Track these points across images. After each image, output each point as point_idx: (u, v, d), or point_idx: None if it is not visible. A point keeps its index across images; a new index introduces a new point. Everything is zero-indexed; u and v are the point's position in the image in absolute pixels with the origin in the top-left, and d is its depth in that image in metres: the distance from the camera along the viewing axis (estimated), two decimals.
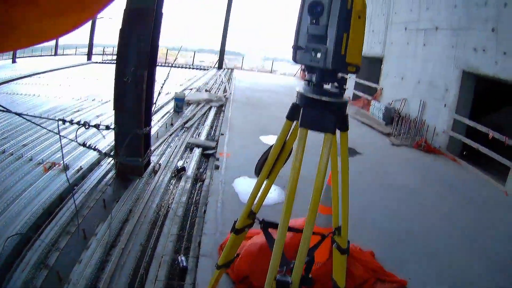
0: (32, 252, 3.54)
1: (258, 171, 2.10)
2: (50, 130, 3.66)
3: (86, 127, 3.60)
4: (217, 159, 6.48)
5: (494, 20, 7.20)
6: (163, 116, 9.61)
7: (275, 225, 2.15)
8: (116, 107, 5.20)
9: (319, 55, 1.70)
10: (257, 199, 2.18)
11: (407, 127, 9.37)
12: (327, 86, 1.86)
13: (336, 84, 1.83)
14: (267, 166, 2.04)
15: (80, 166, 5.60)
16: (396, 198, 5.56)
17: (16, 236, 3.68)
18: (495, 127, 7.24)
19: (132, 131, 4.93)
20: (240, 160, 6.44)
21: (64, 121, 3.57)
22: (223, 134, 8.09)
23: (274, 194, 5.15)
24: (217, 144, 7.44)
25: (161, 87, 7.04)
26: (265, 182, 2.13)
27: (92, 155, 5.99)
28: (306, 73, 1.89)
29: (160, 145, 7.20)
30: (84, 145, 3.77)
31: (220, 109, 11.20)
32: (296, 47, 1.80)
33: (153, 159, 6.23)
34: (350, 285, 3.17)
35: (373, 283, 3.38)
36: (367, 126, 10.57)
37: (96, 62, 22.66)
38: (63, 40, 25.66)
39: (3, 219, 4.05)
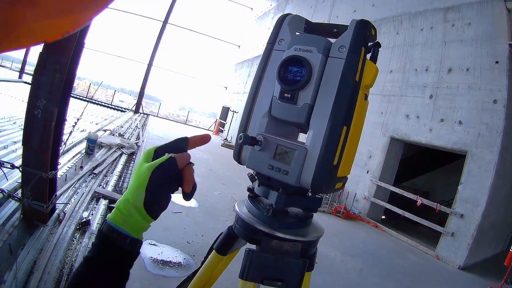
0: None
1: None
2: None
3: None
4: None
5: (434, 87, 7.53)
6: (74, 156, 8.74)
7: None
8: (24, 143, 4.51)
9: (289, 160, 1.07)
10: None
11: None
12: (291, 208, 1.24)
13: (306, 207, 1.22)
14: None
15: None
16: (318, 271, 5.30)
17: None
18: (421, 193, 7.49)
19: (38, 173, 4.29)
20: None
21: None
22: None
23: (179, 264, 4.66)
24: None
25: (74, 126, 6.41)
26: None
27: None
28: (255, 183, 1.24)
29: (67, 189, 6.40)
30: None
31: (131, 157, 10.61)
32: (245, 140, 1.08)
33: (59, 205, 5.46)
34: None
35: None
36: None
37: (27, 83, 20.71)
38: None
39: None
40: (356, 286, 4.96)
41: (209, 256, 1.40)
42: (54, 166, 4.93)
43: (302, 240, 1.16)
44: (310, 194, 1.20)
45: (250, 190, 1.27)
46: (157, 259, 4.70)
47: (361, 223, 8.20)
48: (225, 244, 1.34)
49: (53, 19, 0.54)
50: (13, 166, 3.08)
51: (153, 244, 5.09)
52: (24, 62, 20.48)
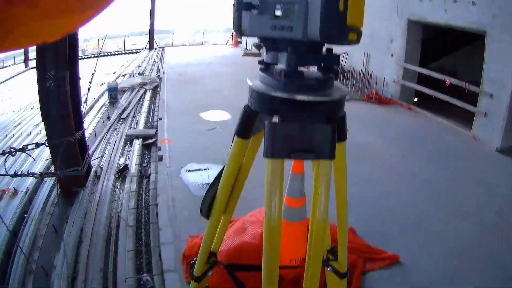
0: None
1: (206, 213, 1.54)
2: None
3: (13, 154, 3.12)
4: (159, 149, 6.07)
5: None
6: (98, 111, 8.89)
7: (245, 268, 1.78)
8: (44, 118, 4.62)
9: (292, 15, 0.98)
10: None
11: (354, 81, 9.24)
12: (304, 69, 1.14)
13: (323, 65, 1.14)
14: (218, 205, 1.47)
15: (27, 187, 4.96)
16: (360, 159, 5.33)
17: None
18: (448, 73, 7.23)
19: (64, 140, 4.42)
20: (184, 145, 6.13)
21: None
22: (161, 119, 7.63)
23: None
24: (156, 131, 6.99)
25: (90, 82, 6.45)
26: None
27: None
28: (262, 51, 1.16)
29: (98, 144, 6.63)
30: (15, 175, 3.28)
31: (155, 90, 10.65)
32: (239, 5, 1.02)
33: (94, 162, 5.71)
34: None
35: (363, 265, 3.12)
36: None
37: (34, 67, 20.61)
38: None
39: None
40: (402, 172, 4.97)
41: (233, 144, 1.33)
42: (79, 127, 5.08)
43: (325, 100, 1.08)
44: (324, 52, 1.14)
45: (259, 62, 1.20)
46: (200, 182, 4.89)
47: (395, 106, 8.05)
48: (244, 125, 1.24)
49: (53, 19, 0.55)
50: (37, 145, 3.17)
51: (194, 170, 5.26)
52: (26, 51, 20.15)
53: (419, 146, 5.89)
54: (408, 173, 4.97)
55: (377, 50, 8.98)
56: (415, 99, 8.40)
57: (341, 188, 1.40)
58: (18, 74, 17.46)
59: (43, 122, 4.68)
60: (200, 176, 5.05)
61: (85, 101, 6.07)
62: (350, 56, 10.11)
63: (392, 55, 8.53)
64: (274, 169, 1.08)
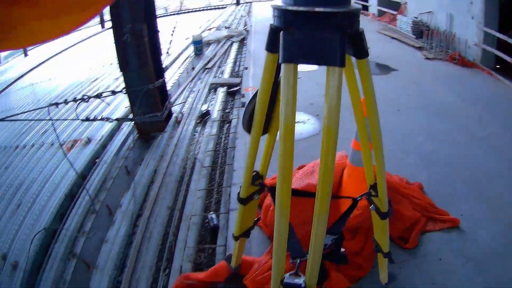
0: (59, 244, 3.42)
1: (246, 125, 1.64)
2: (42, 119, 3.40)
3: (86, 100, 3.35)
4: (243, 96, 6.12)
5: None
6: (183, 62, 9.21)
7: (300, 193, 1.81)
8: (122, 68, 4.88)
9: None
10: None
11: (439, 40, 8.64)
12: None
13: None
14: (258, 118, 1.54)
15: (102, 135, 5.39)
16: (438, 119, 4.98)
17: (42, 232, 3.58)
18: None
19: (143, 88, 4.67)
20: None
21: (56, 105, 3.36)
22: (247, 68, 7.63)
23: (309, 124, 4.81)
24: (241, 80, 7.04)
25: (172, 34, 6.67)
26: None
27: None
28: None
29: (181, 92, 6.88)
30: (87, 119, 3.54)
31: (242, 43, 10.62)
32: None
33: (175, 109, 5.98)
34: (399, 227, 2.80)
35: (424, 224, 2.92)
36: (397, 40, 9.75)
37: (110, 27, 21.58)
38: None
39: (30, 216, 3.97)
40: (475, 134, 4.63)
41: (264, 61, 1.41)
42: (160, 75, 5.31)
43: (334, 11, 1.13)
44: None
45: None
46: None
47: (476, 70, 7.39)
48: (271, 41, 1.32)
49: (53, 18, 0.55)
50: (113, 92, 3.35)
51: None
52: (101, 14, 20.62)
53: (496, 112, 5.35)
54: (484, 138, 4.55)
55: (459, 11, 8.23)
56: (497, 66, 7.61)
57: (372, 112, 1.42)
58: (94, 35, 18.40)
59: (121, 72, 4.93)
60: None
61: (167, 52, 6.30)
62: (434, 15, 9.44)
63: (472, 18, 7.76)
64: (287, 74, 1.19)
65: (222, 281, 2.53)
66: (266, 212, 2.95)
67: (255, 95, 1.55)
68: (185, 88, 7.10)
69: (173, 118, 5.57)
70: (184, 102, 6.34)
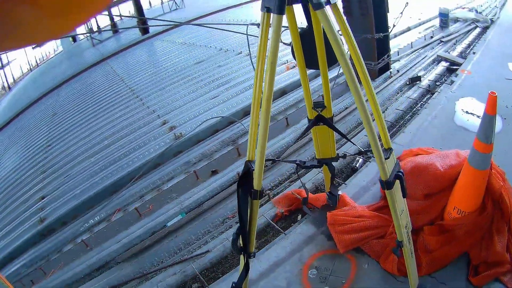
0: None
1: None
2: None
3: None
4: (456, 75, 6.01)
5: None
6: (426, 29, 9.23)
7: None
8: (345, 12, 5.39)
9: None
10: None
11: None
12: None
13: None
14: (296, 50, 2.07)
15: None
16: None
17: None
18: None
19: (362, 36, 5.10)
20: (480, 80, 5.75)
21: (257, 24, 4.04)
22: (474, 53, 7.26)
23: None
24: (464, 61, 6.80)
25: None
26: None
27: None
28: None
29: (410, 53, 7.16)
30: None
31: (484, 30, 9.87)
32: None
33: (395, 65, 6.34)
34: (480, 256, 2.57)
35: (505, 273, 2.50)
36: None
37: None
38: None
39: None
40: None
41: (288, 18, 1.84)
42: (383, 29, 5.65)
43: None
44: None
45: None
46: (467, 111, 4.65)
47: None
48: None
49: (53, 18, 0.54)
50: None
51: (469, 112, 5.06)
52: None
53: None
54: None
55: None
56: None
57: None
58: None
59: (346, 15, 5.42)
60: (472, 109, 4.68)
61: (401, 13, 6.43)
62: None
63: None
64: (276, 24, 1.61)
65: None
66: None
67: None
68: (414, 51, 7.33)
69: (387, 73, 5.94)
70: (398, 60, 6.64)
